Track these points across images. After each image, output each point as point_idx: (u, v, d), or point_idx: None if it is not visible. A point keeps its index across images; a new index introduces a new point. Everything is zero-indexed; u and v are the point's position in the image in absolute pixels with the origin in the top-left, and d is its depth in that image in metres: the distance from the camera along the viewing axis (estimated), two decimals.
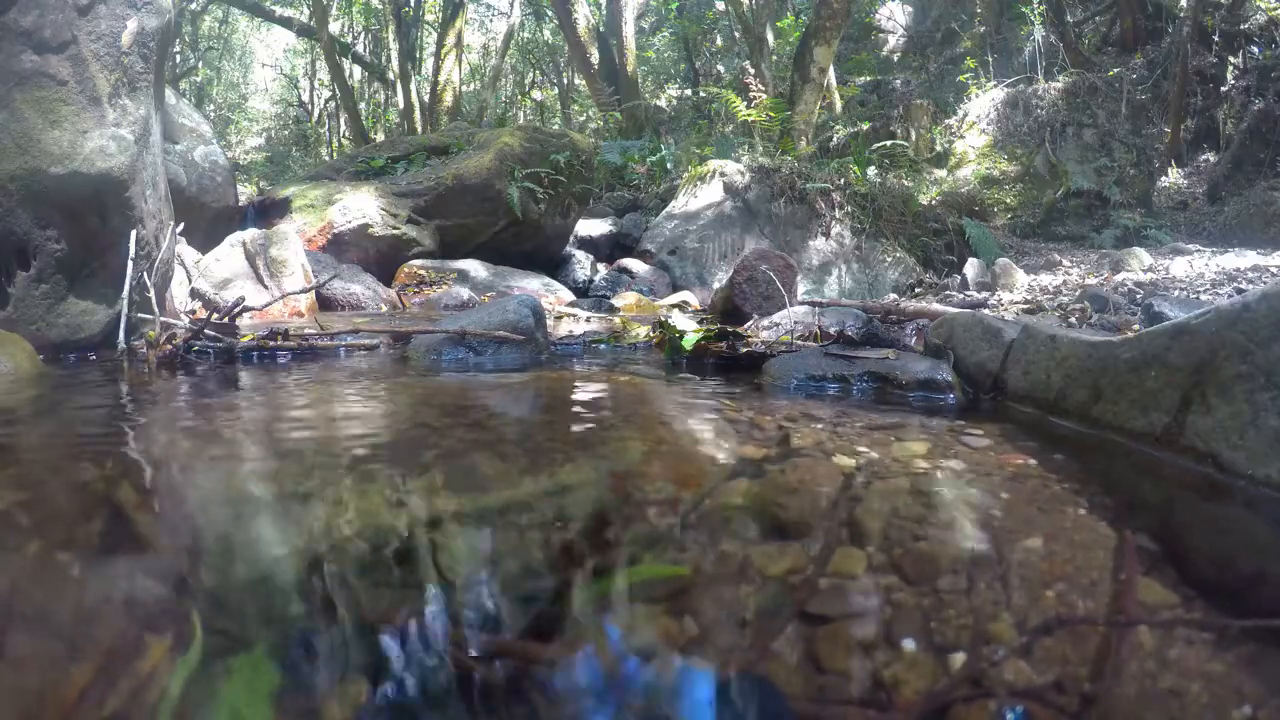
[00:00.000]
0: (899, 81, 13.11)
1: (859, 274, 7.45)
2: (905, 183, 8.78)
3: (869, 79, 13.57)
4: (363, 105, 18.58)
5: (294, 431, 1.66)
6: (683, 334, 2.58)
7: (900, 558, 0.91)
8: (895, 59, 14.49)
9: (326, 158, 17.19)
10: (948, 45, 13.61)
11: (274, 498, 1.21)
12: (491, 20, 21.45)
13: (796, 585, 0.85)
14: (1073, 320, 3.20)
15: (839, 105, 12.24)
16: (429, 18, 17.29)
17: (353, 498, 1.16)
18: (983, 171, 10.09)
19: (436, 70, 14.82)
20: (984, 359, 1.93)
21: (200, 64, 19.64)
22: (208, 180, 5.97)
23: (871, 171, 8.55)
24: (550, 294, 5.88)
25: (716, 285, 6.14)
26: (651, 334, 3.15)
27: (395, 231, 6.31)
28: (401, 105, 15.89)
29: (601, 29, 14.28)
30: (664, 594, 0.85)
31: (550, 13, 16.59)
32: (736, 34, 14.26)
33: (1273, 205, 8.20)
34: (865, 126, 10.21)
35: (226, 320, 2.82)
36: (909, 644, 0.73)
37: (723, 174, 7.93)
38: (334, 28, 16.92)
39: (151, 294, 2.88)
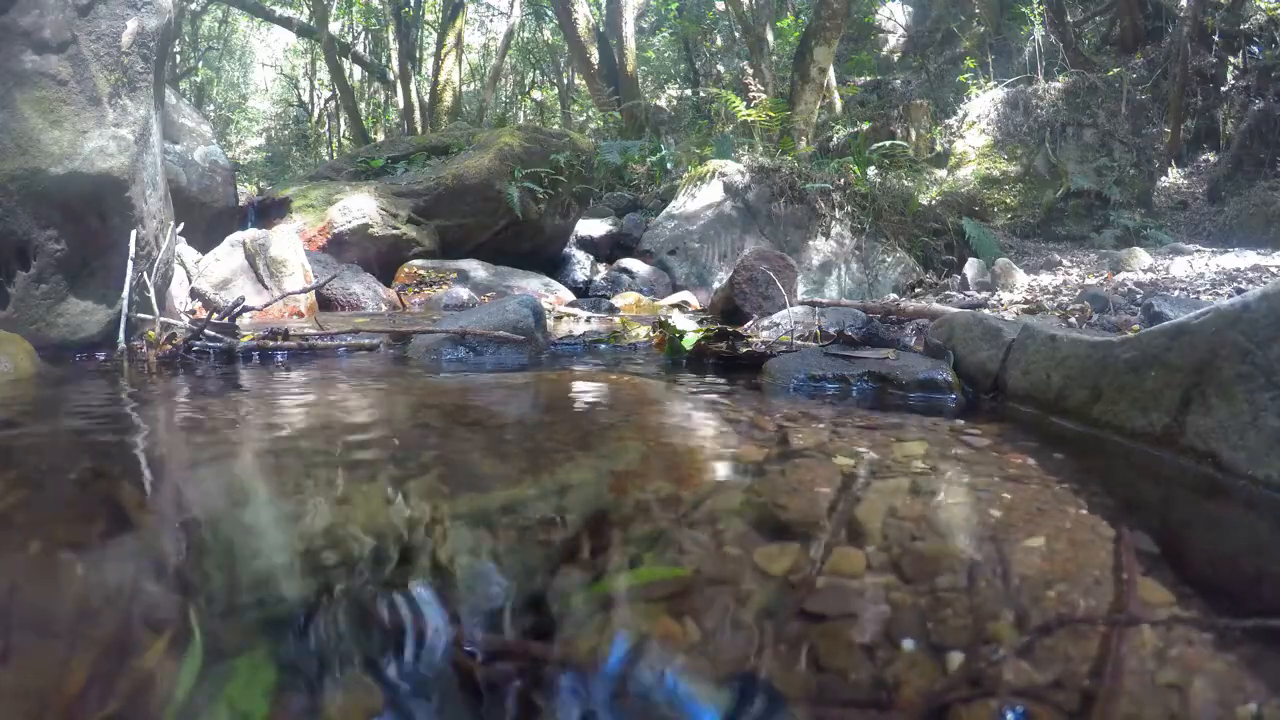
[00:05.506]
0: (899, 81, 13.12)
1: (859, 274, 7.45)
2: (905, 183, 8.78)
3: (869, 79, 13.58)
4: (363, 105, 18.59)
5: (293, 432, 1.66)
6: (683, 334, 2.58)
7: (900, 557, 0.91)
8: (895, 59, 14.49)
9: (326, 158, 17.18)
10: (948, 45, 13.61)
11: (274, 497, 1.21)
12: (491, 20, 21.46)
13: (796, 585, 0.85)
14: (1073, 320, 3.20)
15: (839, 105, 12.24)
16: (429, 18, 17.29)
17: (352, 497, 1.16)
18: (983, 171, 10.09)
19: (436, 70, 14.83)
20: (984, 359, 1.93)
21: (200, 64, 19.64)
22: (208, 180, 5.97)
23: (871, 171, 8.55)
24: (550, 294, 5.88)
25: (716, 285, 6.14)
26: (651, 334, 3.15)
27: (395, 231, 6.31)
28: (401, 105, 15.89)
29: (601, 29, 14.28)
30: (664, 594, 0.85)
31: (550, 13, 16.59)
32: (736, 34, 14.26)
33: (1273, 205, 8.20)
34: (865, 126, 10.21)
35: (226, 320, 2.82)
36: (909, 644, 0.73)
37: (723, 174, 7.92)
38: (334, 28, 16.91)
39: (151, 294, 2.88)
